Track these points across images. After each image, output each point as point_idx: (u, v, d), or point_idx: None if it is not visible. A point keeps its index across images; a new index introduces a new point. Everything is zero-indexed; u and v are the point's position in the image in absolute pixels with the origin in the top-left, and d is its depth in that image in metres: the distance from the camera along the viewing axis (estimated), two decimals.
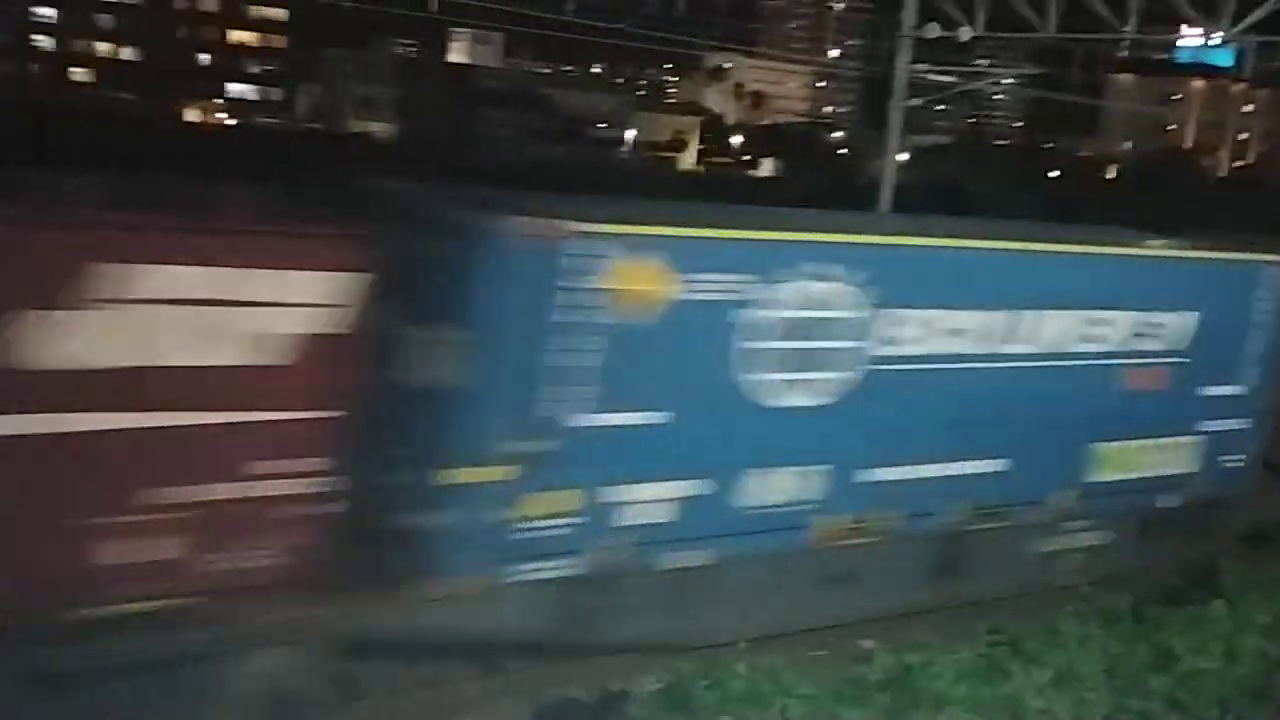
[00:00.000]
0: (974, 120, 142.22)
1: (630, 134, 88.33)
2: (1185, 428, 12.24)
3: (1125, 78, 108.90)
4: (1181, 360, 11.98)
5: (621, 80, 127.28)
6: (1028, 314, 10.77)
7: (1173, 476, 12.26)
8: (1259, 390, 12.75)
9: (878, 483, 10.10)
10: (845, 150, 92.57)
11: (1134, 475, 11.93)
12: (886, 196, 23.61)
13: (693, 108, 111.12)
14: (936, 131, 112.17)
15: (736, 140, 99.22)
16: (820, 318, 9.50)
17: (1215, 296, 12.16)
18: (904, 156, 37.76)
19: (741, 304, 9.05)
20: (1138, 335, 11.62)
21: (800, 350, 9.46)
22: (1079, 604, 9.07)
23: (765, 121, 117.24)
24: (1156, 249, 11.94)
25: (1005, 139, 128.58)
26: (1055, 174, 69.35)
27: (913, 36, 22.61)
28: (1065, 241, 11.45)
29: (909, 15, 22.33)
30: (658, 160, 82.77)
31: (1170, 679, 7.89)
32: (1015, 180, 46.60)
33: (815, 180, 65.01)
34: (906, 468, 10.26)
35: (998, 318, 10.59)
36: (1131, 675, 7.89)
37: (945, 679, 7.50)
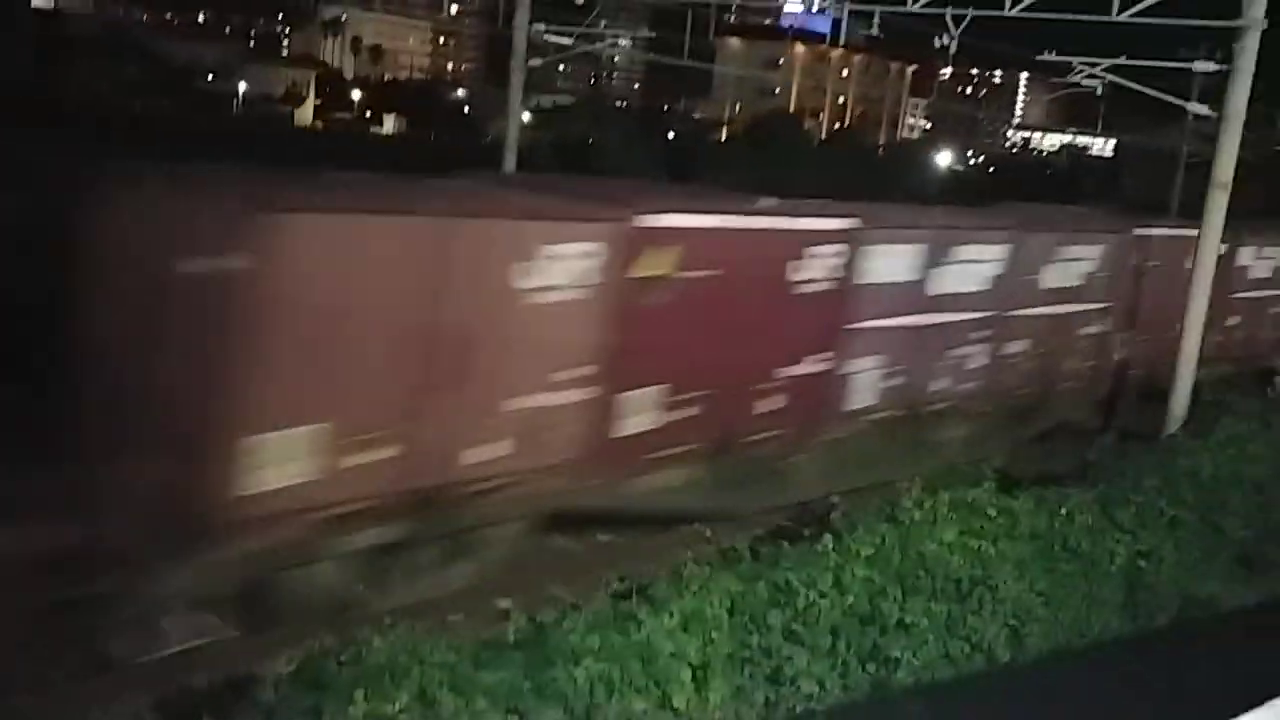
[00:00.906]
0: (595, 81, 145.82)
1: (242, 86, 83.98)
2: None
3: (733, 42, 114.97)
4: None
5: (229, 30, 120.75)
6: None
7: None
8: None
9: None
10: (469, 109, 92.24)
11: None
12: (511, 156, 23.70)
13: (308, 60, 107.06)
14: (559, 92, 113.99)
15: (356, 95, 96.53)
16: None
17: None
18: (526, 117, 38.04)
19: None
20: None
21: None
22: (702, 547, 9.45)
23: (386, 77, 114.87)
24: None
25: (625, 100, 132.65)
26: (671, 135, 72.18)
27: None
28: None
29: None
30: (272, 115, 79.21)
31: (788, 613, 8.37)
32: (634, 141, 48.12)
33: (439, 138, 64.50)
34: None
35: None
36: (752, 613, 8.30)
37: (579, 632, 7.60)
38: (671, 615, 7.93)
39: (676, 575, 8.65)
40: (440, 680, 6.93)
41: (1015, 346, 16.84)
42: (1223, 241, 16.77)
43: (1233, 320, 21.79)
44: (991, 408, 16.68)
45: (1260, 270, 23.44)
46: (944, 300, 15.36)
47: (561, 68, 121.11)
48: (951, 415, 16.06)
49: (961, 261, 15.59)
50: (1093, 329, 18.46)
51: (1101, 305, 18.38)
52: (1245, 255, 22.42)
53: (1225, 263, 19.26)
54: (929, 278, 15.07)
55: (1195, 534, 12.15)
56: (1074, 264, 17.73)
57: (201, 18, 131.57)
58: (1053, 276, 17.28)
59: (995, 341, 16.47)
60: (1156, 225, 20.31)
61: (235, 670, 8.34)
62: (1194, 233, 16.51)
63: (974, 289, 15.88)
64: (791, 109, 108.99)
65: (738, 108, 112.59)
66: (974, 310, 15.89)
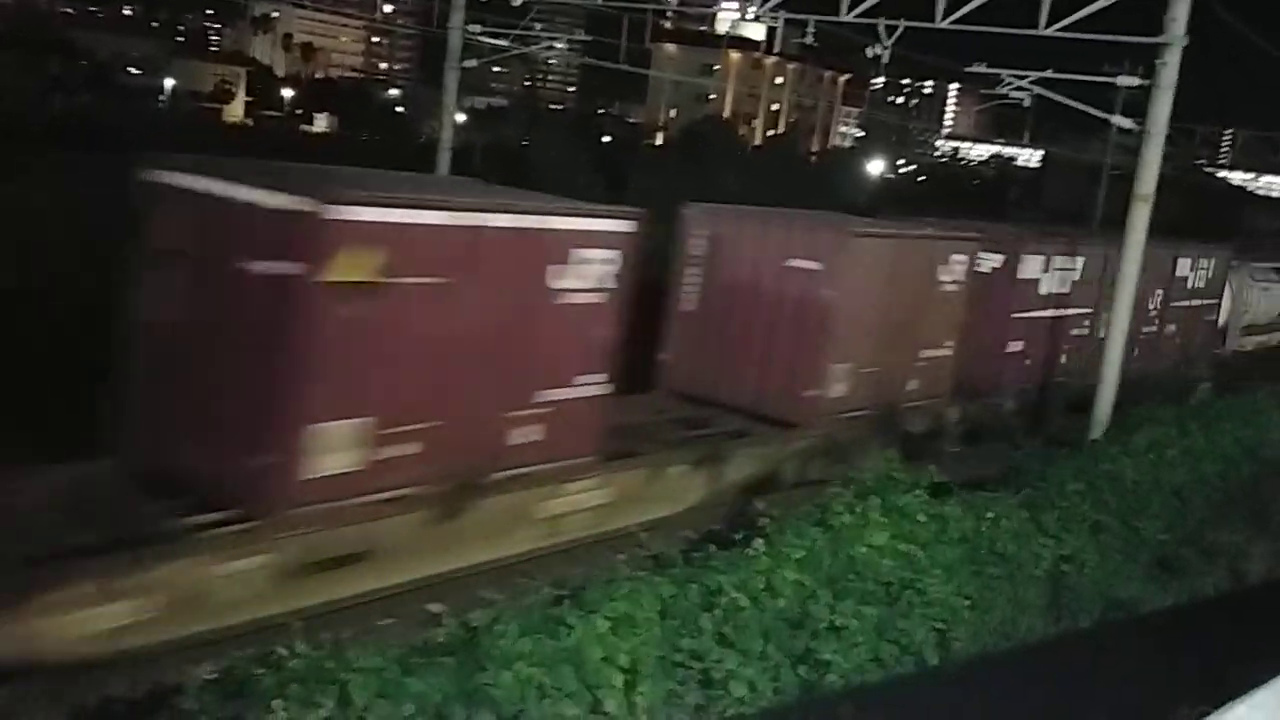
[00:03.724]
0: (530, 84, 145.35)
1: (168, 82, 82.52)
2: None
3: (669, 47, 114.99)
4: None
5: (157, 24, 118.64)
6: None
7: None
8: None
9: None
10: (402, 108, 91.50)
11: None
12: (445, 157, 23.52)
13: (238, 57, 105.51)
14: (494, 94, 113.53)
15: (287, 93, 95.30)
16: None
17: None
18: (461, 118, 37.74)
19: None
20: None
21: None
22: (635, 552, 9.41)
23: (318, 75, 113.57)
24: None
25: (560, 104, 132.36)
26: (607, 140, 72.12)
27: None
28: None
29: None
30: (201, 112, 77.97)
31: (718, 616, 8.36)
32: (570, 145, 47.96)
33: (371, 138, 63.80)
34: None
35: None
36: (683, 616, 8.27)
37: (510, 637, 7.52)
38: (603, 620, 7.88)
39: (609, 580, 8.59)
40: (366, 686, 6.82)
41: None
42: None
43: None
44: None
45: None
46: None
47: (496, 69, 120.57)
48: None
49: None
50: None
51: None
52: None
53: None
54: None
55: (1117, 538, 12.37)
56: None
57: (128, 12, 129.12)
58: None
59: None
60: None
61: (158, 677, 8.19)
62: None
63: None
64: (726, 115, 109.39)
65: (673, 113, 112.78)
66: None
